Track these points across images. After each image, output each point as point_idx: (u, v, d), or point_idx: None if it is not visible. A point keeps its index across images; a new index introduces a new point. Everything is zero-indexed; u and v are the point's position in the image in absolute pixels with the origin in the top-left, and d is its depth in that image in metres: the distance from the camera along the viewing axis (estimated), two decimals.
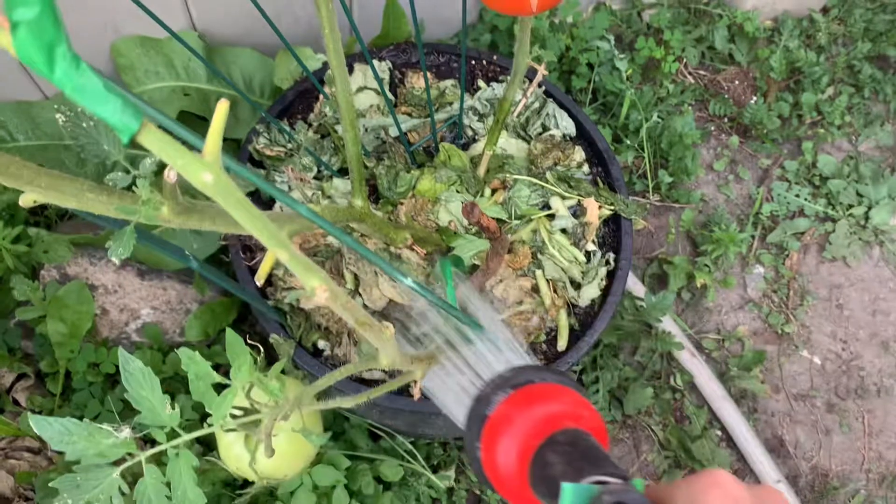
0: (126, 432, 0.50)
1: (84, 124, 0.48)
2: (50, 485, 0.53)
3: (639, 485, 0.36)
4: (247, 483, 0.96)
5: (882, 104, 1.40)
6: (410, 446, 1.01)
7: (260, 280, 0.54)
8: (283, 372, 0.55)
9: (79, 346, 0.96)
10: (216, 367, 1.03)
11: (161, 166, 0.51)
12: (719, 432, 1.12)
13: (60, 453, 0.97)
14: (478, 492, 1.05)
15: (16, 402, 1.00)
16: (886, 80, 1.39)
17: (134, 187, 0.51)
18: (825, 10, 1.44)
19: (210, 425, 0.51)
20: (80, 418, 0.99)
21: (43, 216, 1.07)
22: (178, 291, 1.01)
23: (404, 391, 0.80)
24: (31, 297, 0.94)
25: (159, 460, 0.51)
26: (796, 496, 1.07)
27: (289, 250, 0.39)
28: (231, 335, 0.47)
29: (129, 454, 0.51)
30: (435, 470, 1.02)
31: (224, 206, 0.37)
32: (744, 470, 1.11)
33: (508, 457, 0.41)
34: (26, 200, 0.50)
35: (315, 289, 0.40)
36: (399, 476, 0.98)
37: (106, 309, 0.98)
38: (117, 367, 0.98)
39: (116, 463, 0.52)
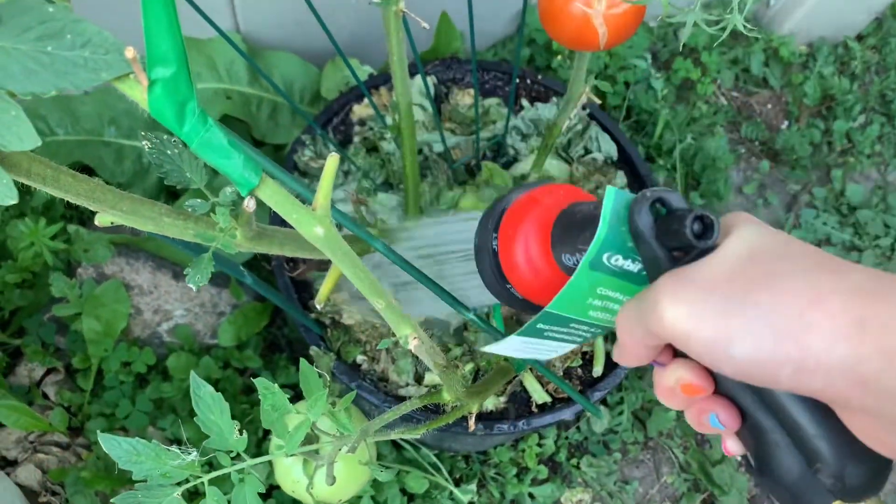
0: (193, 454, 0.51)
1: (169, 151, 0.48)
2: (112, 501, 0.53)
3: None
4: (272, 489, 0.97)
5: None
6: (435, 459, 1.02)
7: (320, 303, 0.55)
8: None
9: (112, 345, 0.96)
10: (243, 371, 1.04)
11: (237, 194, 0.51)
12: (739, 458, 1.13)
13: (89, 450, 0.98)
14: None
15: (45, 396, 1.01)
16: None
17: (212, 214, 0.51)
18: (860, 38, 1.44)
19: (273, 450, 0.52)
20: (111, 416, 1.00)
21: (76, 210, 1.07)
22: (211, 294, 1.01)
23: (438, 406, 0.81)
24: (67, 294, 0.94)
25: (221, 482, 0.52)
26: None
27: (385, 299, 0.39)
28: (305, 366, 0.47)
29: (193, 475, 0.52)
30: (457, 483, 1.03)
31: (331, 257, 0.37)
32: (761, 496, 1.12)
33: (529, 232, 0.41)
34: (103, 221, 0.51)
35: (407, 337, 0.40)
36: (424, 489, 0.99)
37: (140, 309, 0.99)
38: (149, 367, 0.99)
39: (179, 483, 0.53)
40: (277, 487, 0.82)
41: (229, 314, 1.00)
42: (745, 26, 0.46)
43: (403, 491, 0.98)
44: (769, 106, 1.38)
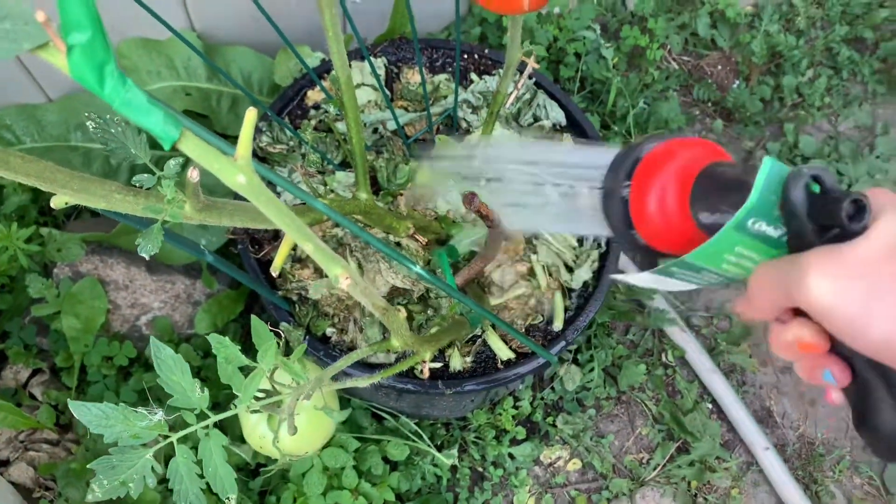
0: (159, 415, 0.54)
1: (112, 130, 0.52)
2: (88, 466, 0.56)
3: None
4: (259, 467, 1.00)
5: (860, 85, 1.44)
6: (416, 427, 1.05)
7: (276, 270, 0.58)
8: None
9: (93, 341, 1.00)
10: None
11: (182, 167, 0.54)
12: (710, 405, 1.17)
13: (78, 444, 1.01)
14: (480, 469, 1.10)
15: (32, 397, 1.04)
16: (864, 61, 1.44)
17: (159, 187, 0.54)
18: None
19: (236, 406, 0.55)
20: None
21: (51, 216, 1.10)
22: (185, 285, 1.04)
23: (411, 372, 0.85)
24: (45, 295, 0.98)
25: (190, 441, 0.55)
26: (784, 463, 1.12)
27: (313, 242, 0.43)
28: (256, 321, 0.51)
29: (162, 436, 0.55)
30: (439, 449, 1.07)
31: (256, 203, 0.41)
32: (734, 440, 1.16)
33: (666, 184, 0.42)
34: (58, 202, 0.54)
35: (338, 276, 0.44)
36: (405, 455, 1.02)
37: (118, 304, 1.02)
38: (131, 359, 1.02)
39: (149, 445, 0.56)
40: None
41: (204, 303, 1.04)
42: None
43: (386, 459, 1.02)
44: (719, 67, 1.42)
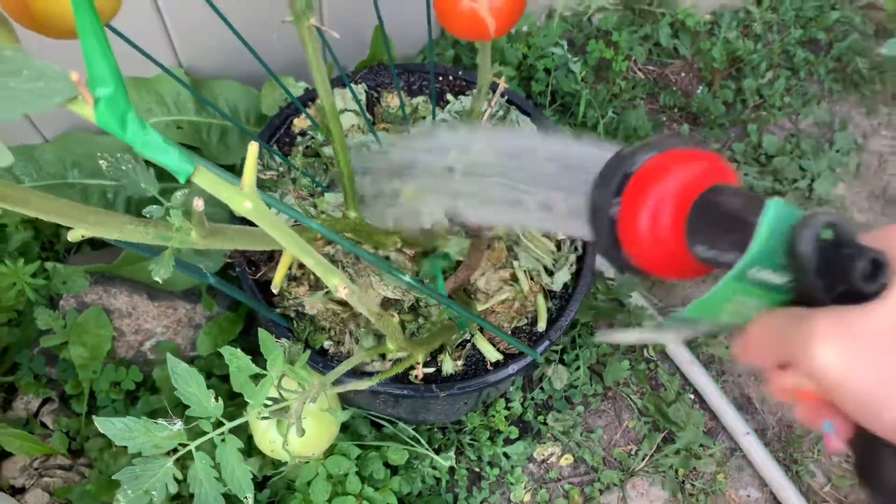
0: (178, 425, 0.59)
1: (123, 167, 0.57)
2: (113, 477, 0.61)
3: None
4: (266, 480, 1.05)
5: (817, 84, 1.52)
6: (413, 432, 1.10)
7: (276, 287, 0.64)
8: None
9: (100, 367, 1.04)
10: (226, 377, 1.12)
11: (188, 198, 0.60)
12: (692, 395, 1.23)
13: (91, 467, 1.05)
14: (477, 469, 1.15)
15: (43, 425, 1.08)
16: (819, 61, 1.51)
17: (167, 217, 0.59)
18: (759, 1, 1.56)
19: (248, 413, 0.60)
20: (104, 435, 1.07)
21: (52, 251, 1.15)
22: (186, 310, 1.09)
23: (405, 378, 0.90)
24: (52, 326, 1.02)
25: (208, 448, 0.60)
26: (765, 447, 1.18)
27: (313, 256, 0.48)
28: (263, 333, 0.56)
29: (181, 444, 0.60)
30: (436, 452, 1.12)
31: (262, 225, 0.46)
32: (716, 427, 1.22)
33: (659, 207, 0.39)
34: (75, 235, 0.59)
35: (337, 286, 0.49)
36: (405, 460, 1.07)
37: (122, 331, 1.06)
38: (137, 383, 1.07)
39: (170, 454, 0.61)
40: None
41: (205, 326, 1.09)
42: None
43: (386, 464, 1.07)
44: (683, 74, 1.49)
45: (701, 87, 1.48)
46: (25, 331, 1.06)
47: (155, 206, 0.60)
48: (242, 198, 0.44)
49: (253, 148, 0.45)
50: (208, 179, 0.43)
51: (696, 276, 0.41)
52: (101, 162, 0.56)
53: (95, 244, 1.14)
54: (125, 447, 0.62)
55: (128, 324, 1.07)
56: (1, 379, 1.05)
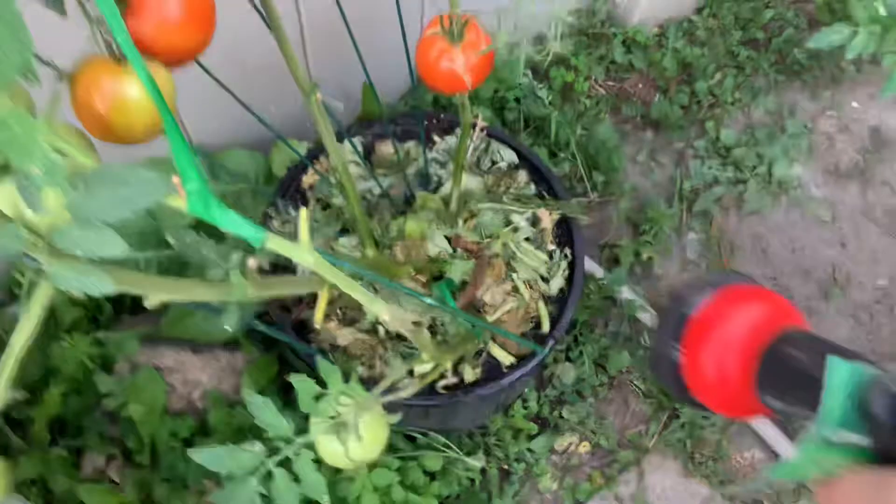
0: (258, 447, 0.71)
1: (188, 240, 0.70)
2: (209, 499, 0.73)
3: None
4: None
5: (763, 77, 1.67)
6: (444, 440, 1.22)
7: (318, 323, 0.76)
8: None
9: (158, 421, 1.16)
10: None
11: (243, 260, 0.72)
12: None
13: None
14: (505, 466, 1.27)
15: (111, 481, 1.19)
16: (761, 57, 1.66)
17: (227, 278, 0.72)
18: (699, 10, 1.71)
19: (312, 427, 0.72)
20: (171, 479, 1.18)
21: (95, 323, 1.27)
22: (227, 358, 1.21)
23: (433, 390, 1.02)
24: (112, 389, 1.14)
25: (284, 464, 0.72)
26: None
27: (359, 290, 0.61)
28: (323, 363, 0.68)
29: (262, 464, 0.72)
30: (467, 456, 1.24)
31: (319, 271, 0.59)
32: None
33: (726, 356, 0.38)
34: (153, 302, 0.71)
35: (380, 311, 0.62)
36: (440, 465, 1.19)
37: (173, 385, 1.18)
38: (192, 432, 1.18)
39: (253, 473, 0.73)
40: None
41: (245, 369, 1.21)
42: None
43: (425, 471, 1.19)
44: (640, 85, 1.63)
45: (658, 95, 1.62)
46: (85, 398, 1.17)
47: (217, 270, 0.72)
48: (306, 253, 0.57)
49: (304, 214, 0.58)
50: (279, 242, 0.56)
51: (767, 415, 0.41)
52: (171, 241, 0.69)
53: (138, 312, 1.26)
54: (187, 490, 0.73)
55: (177, 377, 1.18)
56: (71, 443, 1.17)
